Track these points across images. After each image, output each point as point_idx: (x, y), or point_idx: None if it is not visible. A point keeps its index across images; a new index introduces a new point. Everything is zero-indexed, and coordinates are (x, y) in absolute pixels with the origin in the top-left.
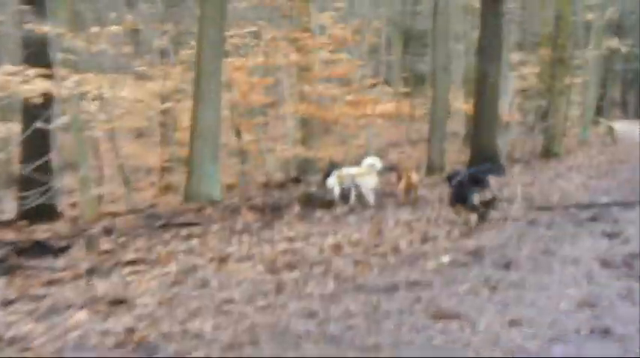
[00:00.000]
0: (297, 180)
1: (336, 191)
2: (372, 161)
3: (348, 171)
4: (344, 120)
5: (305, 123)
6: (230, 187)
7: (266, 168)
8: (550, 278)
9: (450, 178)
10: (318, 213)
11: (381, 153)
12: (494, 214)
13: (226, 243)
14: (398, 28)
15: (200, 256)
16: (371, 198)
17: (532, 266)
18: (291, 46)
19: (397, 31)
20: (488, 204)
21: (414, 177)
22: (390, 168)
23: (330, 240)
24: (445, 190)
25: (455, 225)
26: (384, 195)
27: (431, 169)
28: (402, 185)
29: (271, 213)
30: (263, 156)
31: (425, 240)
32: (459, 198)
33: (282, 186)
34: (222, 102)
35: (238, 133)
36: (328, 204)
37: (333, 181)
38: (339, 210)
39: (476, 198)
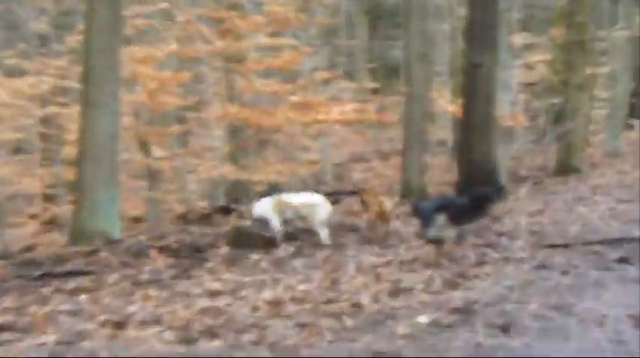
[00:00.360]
0: (226, 211)
1: (275, 224)
2: (310, 199)
3: (290, 197)
4: (289, 129)
5: (236, 132)
6: (135, 221)
7: (185, 194)
8: (565, 346)
9: (416, 208)
10: (254, 256)
11: (340, 172)
12: (492, 254)
13: (126, 300)
14: (361, 2)
15: (89, 319)
16: (324, 235)
17: (540, 328)
18: (214, 29)
19: (360, 7)
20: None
21: (385, 204)
22: (352, 192)
23: (268, 295)
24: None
25: (437, 271)
26: (343, 228)
27: (407, 192)
28: (368, 215)
29: (190, 256)
30: (181, 178)
31: (396, 292)
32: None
33: (206, 218)
34: (123, 105)
35: (145, 148)
36: (267, 243)
37: (266, 209)
38: (282, 251)
39: (436, 228)
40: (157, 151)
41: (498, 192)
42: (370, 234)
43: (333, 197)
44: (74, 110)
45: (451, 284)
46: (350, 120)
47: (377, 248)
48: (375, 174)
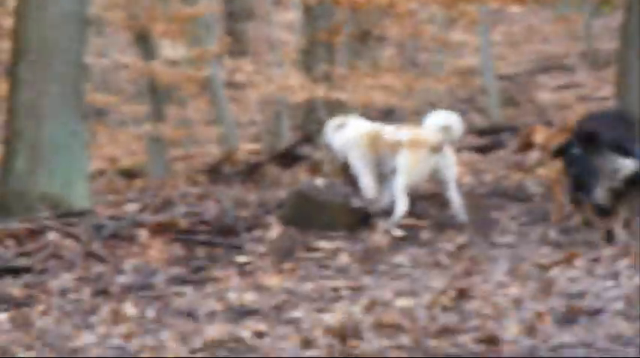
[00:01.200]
0: (290, 158)
1: (367, 181)
2: (443, 120)
3: (395, 132)
4: (412, 10)
5: (315, 16)
6: (128, 176)
7: (219, 127)
8: None
9: (561, 151)
10: (326, 244)
11: (513, 91)
12: None
13: (79, 324)
14: None
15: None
16: (457, 204)
17: None
18: None
19: None
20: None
21: None
22: (512, 129)
23: (335, 317)
24: None
25: None
26: (499, 195)
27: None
28: (547, 173)
29: (212, 242)
30: (213, 100)
31: (572, 314)
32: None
33: (252, 172)
34: None
35: (146, 42)
36: (355, 220)
37: (350, 143)
38: (381, 235)
39: (601, 191)
40: (169, 48)
41: None
42: (547, 206)
43: (489, 138)
44: None
45: None
46: None
47: (555, 231)
48: (578, 95)
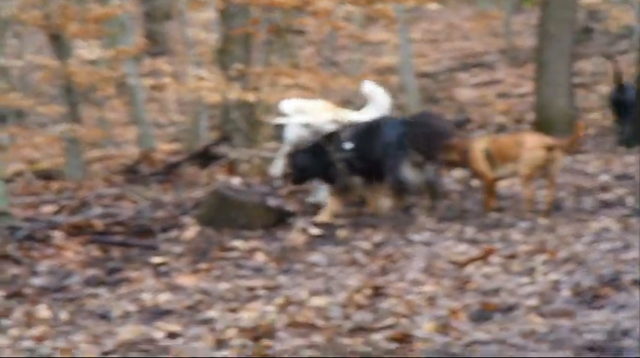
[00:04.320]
0: (206, 158)
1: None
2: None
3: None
4: (325, 5)
5: (230, 15)
6: (44, 178)
7: (139, 128)
8: None
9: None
10: (242, 244)
11: (432, 89)
12: None
13: None
14: None
15: None
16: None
17: None
18: None
19: None
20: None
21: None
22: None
23: (250, 317)
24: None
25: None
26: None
27: (544, 123)
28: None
29: (128, 243)
30: (131, 100)
31: (486, 312)
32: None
33: (168, 172)
34: None
35: (59, 41)
36: (271, 219)
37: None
38: (299, 233)
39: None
40: (85, 49)
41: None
42: (464, 203)
43: None
44: None
45: (591, 296)
46: None
47: (472, 228)
48: (498, 92)
